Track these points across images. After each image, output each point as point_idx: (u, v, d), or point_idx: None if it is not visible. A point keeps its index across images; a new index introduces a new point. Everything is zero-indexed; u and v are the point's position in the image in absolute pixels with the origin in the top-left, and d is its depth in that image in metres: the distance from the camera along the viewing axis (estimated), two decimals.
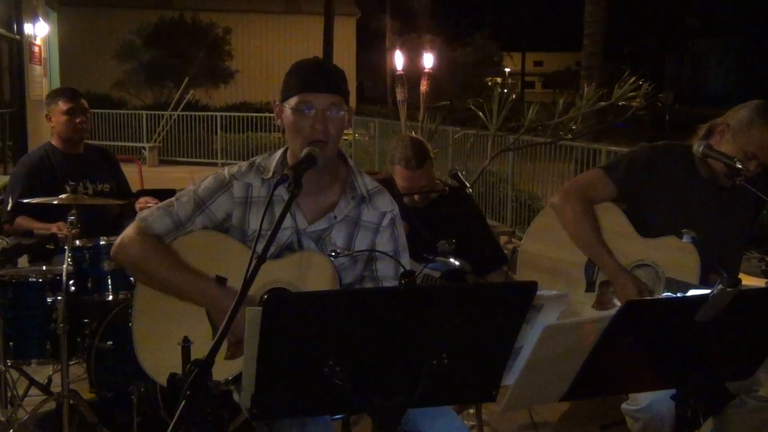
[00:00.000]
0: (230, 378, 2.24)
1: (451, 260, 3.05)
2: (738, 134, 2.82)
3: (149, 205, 3.99)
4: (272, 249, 2.30)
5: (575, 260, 2.96)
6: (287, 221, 2.31)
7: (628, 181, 2.95)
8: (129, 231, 2.35)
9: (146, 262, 2.29)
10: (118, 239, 2.36)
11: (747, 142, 2.80)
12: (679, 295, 1.94)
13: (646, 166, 2.96)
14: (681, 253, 2.78)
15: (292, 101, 2.21)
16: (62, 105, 3.99)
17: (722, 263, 2.79)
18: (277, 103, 2.29)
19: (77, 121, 4.02)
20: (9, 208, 3.92)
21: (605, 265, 2.88)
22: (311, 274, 2.28)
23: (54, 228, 3.76)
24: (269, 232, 1.82)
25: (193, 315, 2.30)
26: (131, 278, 3.41)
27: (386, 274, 2.40)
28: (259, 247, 1.79)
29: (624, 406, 2.68)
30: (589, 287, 2.95)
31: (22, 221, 3.89)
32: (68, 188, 3.53)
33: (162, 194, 4.13)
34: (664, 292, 2.80)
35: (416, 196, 3.44)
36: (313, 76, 2.22)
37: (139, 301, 2.38)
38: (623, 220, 2.95)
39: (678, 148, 3.00)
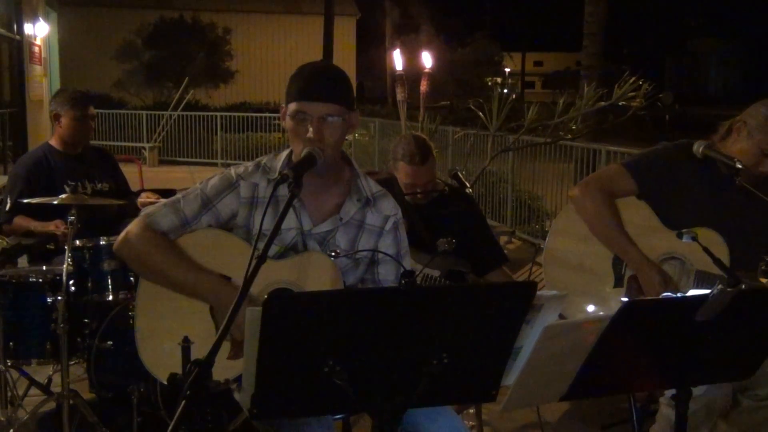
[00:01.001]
0: (231, 378, 2.24)
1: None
2: (755, 132, 2.82)
3: (151, 200, 3.99)
4: (277, 249, 2.31)
5: (602, 254, 2.93)
6: (292, 222, 2.32)
7: (649, 179, 2.94)
8: (133, 226, 2.34)
9: (150, 258, 2.29)
10: (122, 234, 2.35)
11: (764, 140, 2.80)
12: (679, 294, 1.94)
13: (667, 164, 2.95)
14: (710, 246, 2.78)
15: (291, 107, 2.23)
16: (75, 112, 4.01)
17: (743, 259, 2.79)
18: (283, 105, 2.30)
19: (86, 127, 4.07)
20: (8, 208, 3.92)
21: (629, 255, 2.85)
22: (314, 274, 2.28)
23: (51, 226, 3.76)
24: (270, 232, 1.83)
25: (195, 313, 2.30)
26: (131, 278, 3.42)
27: (387, 277, 2.40)
28: (261, 248, 1.79)
29: (668, 393, 2.64)
30: (618, 282, 2.92)
31: (21, 221, 3.89)
32: (67, 188, 3.53)
33: (162, 194, 4.14)
34: (694, 285, 2.79)
35: (419, 194, 3.43)
36: (310, 85, 2.22)
37: (142, 298, 2.38)
38: (649, 214, 2.92)
39: None
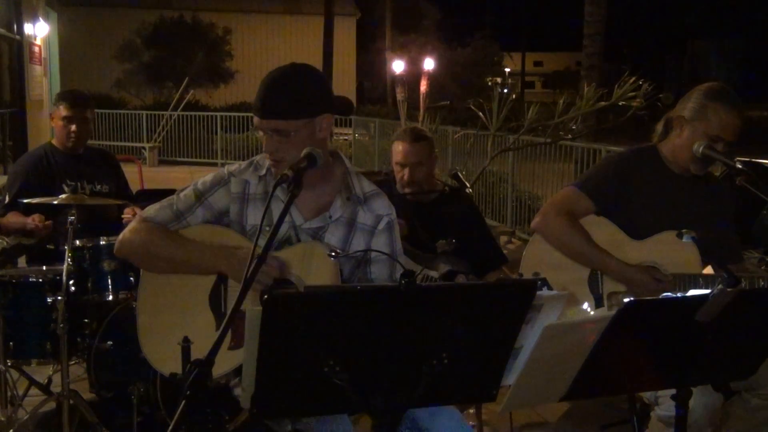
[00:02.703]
0: (231, 371, 2.24)
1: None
2: (696, 122, 2.85)
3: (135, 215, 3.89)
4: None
5: (576, 278, 2.90)
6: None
7: (603, 194, 2.93)
8: (131, 225, 2.40)
9: (152, 245, 2.33)
10: (120, 235, 2.40)
11: (707, 127, 2.83)
12: (679, 294, 1.94)
13: (616, 175, 2.96)
14: (678, 247, 2.78)
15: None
16: (62, 110, 3.98)
17: (719, 251, 2.80)
18: None
19: (72, 128, 3.96)
20: (5, 204, 3.91)
21: (607, 266, 2.83)
22: (314, 265, 2.29)
23: (29, 220, 3.70)
24: (269, 231, 1.83)
25: (196, 308, 2.32)
26: (131, 278, 3.42)
27: (380, 276, 2.41)
28: (261, 245, 1.80)
29: (660, 412, 2.62)
30: (598, 302, 2.89)
31: (8, 217, 3.83)
32: (66, 188, 3.52)
33: (162, 194, 4.11)
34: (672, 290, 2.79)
35: (405, 175, 3.42)
36: (260, 101, 2.25)
37: (144, 294, 2.40)
38: (613, 229, 2.91)
39: (644, 151, 3.02)
